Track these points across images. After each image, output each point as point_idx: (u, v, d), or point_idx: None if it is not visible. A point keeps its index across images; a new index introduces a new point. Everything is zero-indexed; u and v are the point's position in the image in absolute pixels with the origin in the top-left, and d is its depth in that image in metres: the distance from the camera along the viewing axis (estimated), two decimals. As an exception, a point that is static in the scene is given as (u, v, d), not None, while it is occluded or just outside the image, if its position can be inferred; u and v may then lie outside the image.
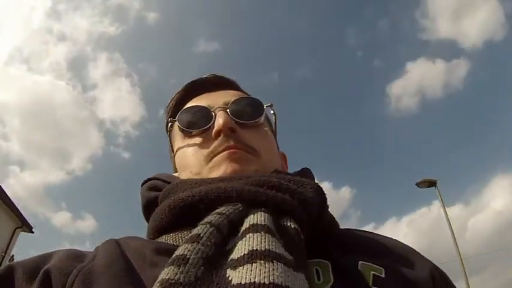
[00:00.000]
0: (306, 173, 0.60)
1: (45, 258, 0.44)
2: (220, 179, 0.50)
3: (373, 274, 0.44)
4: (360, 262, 0.45)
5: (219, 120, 0.56)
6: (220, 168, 0.53)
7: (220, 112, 0.57)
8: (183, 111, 0.61)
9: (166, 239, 0.49)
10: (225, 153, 0.54)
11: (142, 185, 0.61)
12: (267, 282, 0.31)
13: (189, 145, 0.59)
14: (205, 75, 0.67)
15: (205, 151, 0.56)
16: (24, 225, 12.22)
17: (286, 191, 0.44)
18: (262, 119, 0.61)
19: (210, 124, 0.58)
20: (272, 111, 0.66)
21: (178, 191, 0.50)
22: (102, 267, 0.41)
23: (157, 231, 0.51)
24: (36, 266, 0.42)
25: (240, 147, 0.55)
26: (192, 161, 0.57)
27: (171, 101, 0.68)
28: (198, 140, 0.58)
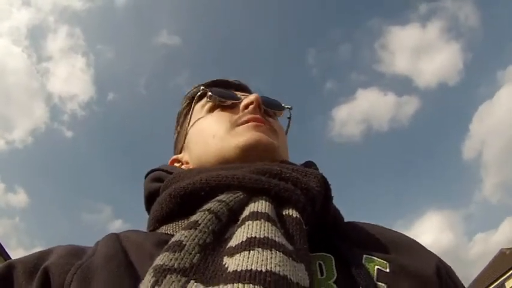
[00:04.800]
0: (310, 165, 0.59)
1: (45, 254, 0.44)
2: (221, 168, 0.49)
3: (378, 269, 0.43)
4: (364, 256, 0.44)
5: (250, 96, 0.59)
6: (244, 135, 0.54)
7: (251, 94, 0.60)
8: (216, 87, 0.64)
9: (167, 229, 0.48)
10: (250, 124, 0.55)
11: (146, 176, 0.61)
12: (263, 270, 0.30)
13: (214, 114, 0.61)
14: (231, 79, 0.70)
15: (233, 118, 0.58)
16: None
17: (289, 180, 0.43)
18: (282, 113, 0.65)
19: (240, 101, 0.60)
20: (289, 115, 0.68)
21: (180, 180, 0.49)
22: (101, 263, 0.40)
23: (158, 221, 0.50)
24: (35, 264, 0.42)
25: (266, 122, 0.57)
26: (216, 125, 0.58)
27: (192, 89, 0.68)
28: (225, 111, 0.60)
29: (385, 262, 0.44)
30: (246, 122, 0.56)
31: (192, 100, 0.65)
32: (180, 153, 0.66)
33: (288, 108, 0.66)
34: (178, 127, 0.70)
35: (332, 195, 0.48)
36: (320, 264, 0.42)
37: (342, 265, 0.42)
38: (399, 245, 0.49)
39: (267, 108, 0.61)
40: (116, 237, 0.45)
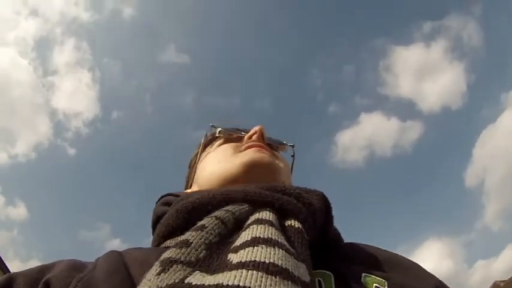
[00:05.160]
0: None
1: (46, 268, 0.44)
2: (227, 188, 0.51)
3: (376, 286, 0.44)
4: (363, 274, 0.45)
5: (255, 127, 0.64)
6: (247, 155, 0.59)
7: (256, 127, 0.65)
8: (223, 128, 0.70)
9: (171, 242, 0.48)
10: (253, 148, 0.60)
11: (157, 202, 0.62)
12: (267, 261, 0.31)
13: (221, 146, 0.66)
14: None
15: (236, 148, 0.63)
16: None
17: (292, 195, 0.46)
18: (286, 149, 0.69)
19: (245, 134, 0.66)
20: (293, 153, 0.72)
21: (187, 199, 0.51)
22: (102, 277, 0.40)
23: (163, 236, 0.51)
24: (36, 277, 0.42)
25: (269, 150, 0.62)
26: (222, 153, 0.63)
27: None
28: (231, 143, 0.66)
29: (383, 280, 0.44)
30: (249, 147, 0.60)
31: (198, 153, 0.72)
32: (189, 187, 0.70)
33: (291, 146, 0.70)
34: (189, 170, 0.75)
35: (333, 214, 0.50)
36: (319, 281, 0.43)
37: (341, 282, 0.43)
38: (398, 264, 0.50)
39: (270, 142, 0.66)
40: (117, 254, 0.46)
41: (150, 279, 0.31)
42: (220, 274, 0.31)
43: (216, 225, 0.39)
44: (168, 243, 0.49)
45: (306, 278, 0.33)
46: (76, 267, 0.44)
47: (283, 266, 0.31)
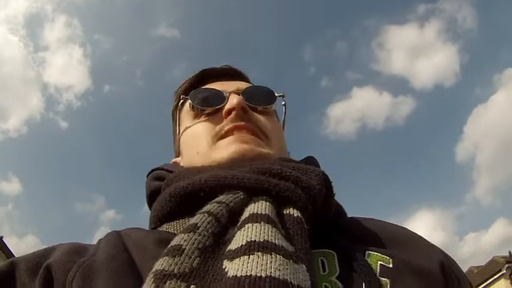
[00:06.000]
0: (310, 161, 0.58)
1: (47, 252, 0.44)
2: (221, 166, 0.49)
3: (381, 264, 0.42)
4: (367, 252, 0.44)
5: (232, 100, 0.55)
6: (227, 149, 0.52)
7: (233, 94, 0.57)
8: (196, 91, 0.61)
9: (168, 227, 0.49)
10: (233, 136, 0.53)
11: (148, 175, 0.61)
12: (263, 275, 0.29)
13: (197, 125, 0.58)
14: (219, 66, 0.67)
15: (214, 130, 0.55)
16: None
17: (289, 179, 0.43)
18: (273, 106, 0.61)
19: (223, 104, 0.57)
20: (283, 102, 0.65)
21: (180, 180, 0.49)
22: (103, 262, 0.40)
23: (159, 219, 0.51)
24: (37, 262, 0.42)
25: (250, 128, 0.54)
26: (199, 140, 0.57)
27: (182, 84, 0.67)
28: (208, 119, 0.58)
29: (388, 257, 0.43)
30: (228, 132, 0.54)
31: (176, 107, 0.65)
32: (178, 156, 0.66)
33: (280, 96, 0.63)
34: (173, 127, 0.69)
35: (334, 192, 0.47)
36: (322, 261, 0.42)
37: (345, 261, 0.42)
38: (402, 240, 0.49)
39: (255, 106, 0.58)
40: (117, 236, 0.45)
41: None
42: None
43: (209, 223, 0.37)
44: (165, 227, 0.49)
45: (307, 284, 0.32)
46: (77, 251, 0.44)
47: (281, 278, 0.30)
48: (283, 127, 0.66)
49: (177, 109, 0.65)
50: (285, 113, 0.66)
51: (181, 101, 0.63)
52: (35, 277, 0.40)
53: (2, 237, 11.44)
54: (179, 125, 0.64)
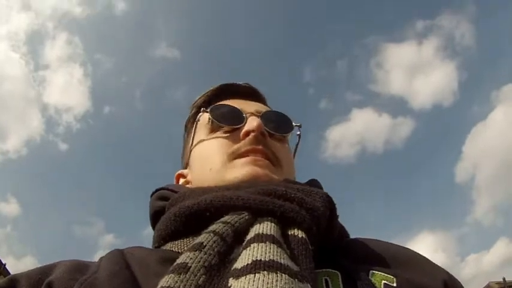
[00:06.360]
0: (314, 183, 0.58)
1: (49, 269, 0.44)
2: (227, 187, 0.49)
3: (384, 283, 0.43)
4: (370, 271, 0.44)
5: (252, 123, 0.56)
6: (241, 170, 0.53)
7: (253, 116, 0.58)
8: (216, 106, 0.61)
9: (172, 246, 0.48)
10: (249, 157, 0.54)
11: (152, 195, 0.61)
12: None
13: (214, 140, 0.58)
14: (240, 83, 0.68)
15: (231, 149, 0.56)
16: None
17: (294, 200, 0.43)
18: (290, 135, 0.63)
19: (241, 125, 0.57)
20: (298, 132, 0.66)
21: (185, 200, 0.49)
22: (105, 280, 0.40)
23: (163, 239, 0.50)
24: (39, 279, 0.42)
25: (266, 153, 0.55)
26: (213, 156, 0.57)
27: (201, 96, 0.67)
28: (225, 137, 0.58)
29: (391, 277, 0.44)
30: (244, 154, 0.54)
31: (194, 119, 0.64)
32: (185, 168, 0.66)
33: (297, 126, 0.64)
34: (185, 138, 0.69)
35: (337, 214, 0.48)
36: (326, 280, 0.42)
37: (348, 281, 0.42)
38: (406, 259, 0.49)
39: (273, 132, 0.59)
40: (120, 254, 0.45)
41: None
42: None
43: (214, 242, 0.37)
44: (168, 246, 0.49)
45: None
46: (78, 268, 0.43)
47: None
48: (294, 156, 0.67)
49: (193, 120, 0.65)
50: (298, 142, 0.67)
51: (200, 113, 0.62)
52: None
53: (5, 264, 11.38)
54: (193, 137, 0.63)
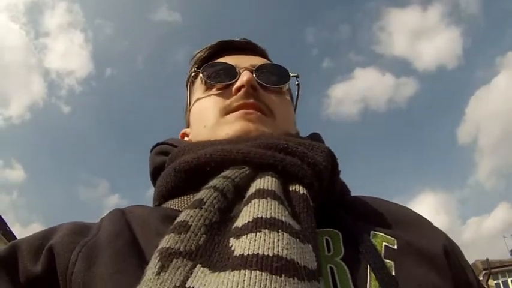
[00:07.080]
0: (316, 137, 0.58)
1: (49, 233, 0.43)
2: (227, 141, 0.48)
3: (385, 245, 0.42)
4: (372, 232, 0.43)
5: (243, 77, 0.55)
6: (233, 125, 0.52)
7: (245, 71, 0.57)
8: (209, 64, 0.60)
9: (172, 204, 0.48)
10: (240, 111, 0.53)
11: (152, 150, 0.60)
12: (270, 254, 0.29)
13: (207, 98, 0.58)
14: (237, 39, 0.66)
15: (222, 105, 0.55)
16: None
17: (295, 154, 0.42)
18: (286, 86, 0.61)
19: (234, 80, 0.57)
20: (297, 83, 0.64)
21: (185, 154, 0.48)
22: (106, 241, 0.39)
23: (163, 196, 0.50)
24: (40, 243, 0.41)
25: (258, 106, 0.54)
26: (207, 114, 0.56)
27: (197, 54, 0.66)
28: (218, 94, 0.57)
29: (392, 239, 0.43)
30: (236, 109, 0.54)
31: (189, 78, 0.64)
32: (188, 127, 0.66)
33: (294, 76, 0.62)
34: (186, 97, 0.68)
35: (339, 169, 0.47)
36: (327, 240, 0.42)
37: (349, 241, 0.41)
38: (407, 220, 0.48)
39: (266, 84, 0.57)
40: (120, 213, 0.45)
41: (150, 279, 0.29)
42: (222, 274, 0.29)
43: (215, 198, 0.36)
44: (169, 203, 0.48)
45: (312, 265, 0.31)
46: (80, 230, 0.43)
47: (288, 258, 0.30)
48: (295, 107, 0.65)
49: (189, 80, 0.65)
50: (298, 93, 0.65)
51: (194, 73, 0.62)
52: (37, 259, 0.39)
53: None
54: (191, 97, 0.64)
